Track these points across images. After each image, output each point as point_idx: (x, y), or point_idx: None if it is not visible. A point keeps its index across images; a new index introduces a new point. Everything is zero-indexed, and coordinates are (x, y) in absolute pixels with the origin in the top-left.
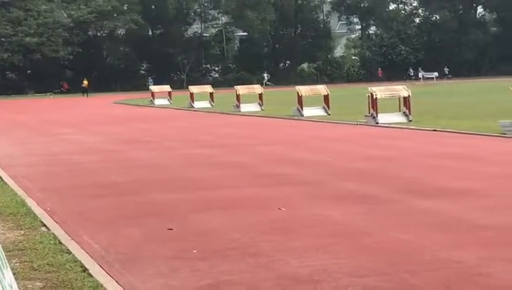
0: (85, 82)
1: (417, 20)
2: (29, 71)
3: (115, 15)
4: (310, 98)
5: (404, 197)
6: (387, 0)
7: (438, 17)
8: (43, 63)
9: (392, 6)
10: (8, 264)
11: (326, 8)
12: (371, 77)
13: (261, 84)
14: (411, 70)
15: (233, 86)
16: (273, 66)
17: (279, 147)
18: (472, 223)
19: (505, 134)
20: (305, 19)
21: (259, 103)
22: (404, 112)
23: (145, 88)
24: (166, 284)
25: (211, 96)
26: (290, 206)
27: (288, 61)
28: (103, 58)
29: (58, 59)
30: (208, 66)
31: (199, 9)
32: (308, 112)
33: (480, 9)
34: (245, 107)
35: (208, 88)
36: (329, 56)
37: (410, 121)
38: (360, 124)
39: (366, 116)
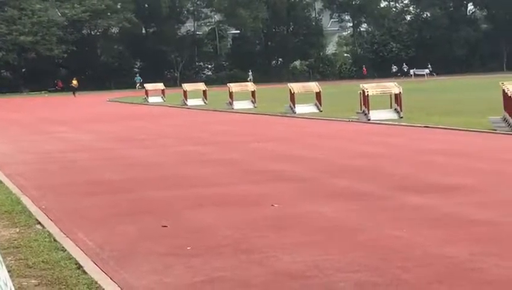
0: (74, 82)
1: (408, 17)
2: (23, 70)
3: (109, 14)
4: (302, 95)
5: (397, 193)
6: None
7: (429, 14)
8: (37, 61)
9: (383, 4)
10: (3, 262)
11: (318, 5)
12: (362, 74)
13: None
14: (394, 67)
15: (226, 84)
16: (265, 64)
17: (272, 144)
18: (464, 218)
19: (495, 130)
20: (297, 17)
21: (252, 100)
22: (395, 109)
23: (135, 87)
24: (161, 281)
25: (204, 94)
26: (283, 202)
27: (280, 59)
28: (97, 57)
29: (53, 58)
30: (201, 63)
31: (192, 8)
32: (300, 109)
33: (470, 7)
34: (238, 105)
35: (201, 86)
36: (321, 53)
37: (402, 117)
38: (352, 121)
39: (357, 113)
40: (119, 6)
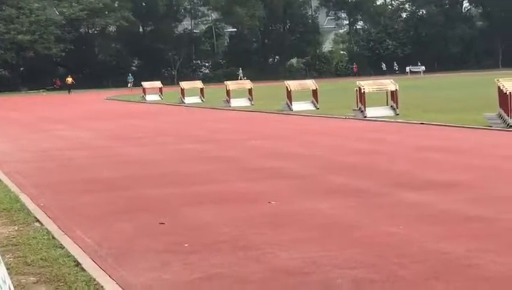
0: (69, 79)
1: (404, 15)
2: (22, 68)
3: (106, 12)
4: (298, 93)
5: (393, 190)
6: None
7: (425, 12)
8: (35, 60)
9: (379, 2)
10: (1, 260)
11: (315, 3)
12: (359, 72)
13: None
14: (383, 64)
15: (223, 82)
16: (262, 62)
17: (269, 142)
18: (460, 215)
19: (490, 126)
20: (294, 15)
21: (249, 98)
22: (391, 106)
23: (137, 84)
24: (159, 278)
25: (201, 92)
26: (280, 200)
27: (277, 57)
28: (95, 55)
29: (51, 56)
30: (198, 61)
31: (189, 6)
32: (297, 106)
33: (466, 4)
34: (235, 102)
35: (199, 84)
36: (317, 51)
37: (398, 114)
38: (348, 118)
39: (354, 110)
40: (116, 5)
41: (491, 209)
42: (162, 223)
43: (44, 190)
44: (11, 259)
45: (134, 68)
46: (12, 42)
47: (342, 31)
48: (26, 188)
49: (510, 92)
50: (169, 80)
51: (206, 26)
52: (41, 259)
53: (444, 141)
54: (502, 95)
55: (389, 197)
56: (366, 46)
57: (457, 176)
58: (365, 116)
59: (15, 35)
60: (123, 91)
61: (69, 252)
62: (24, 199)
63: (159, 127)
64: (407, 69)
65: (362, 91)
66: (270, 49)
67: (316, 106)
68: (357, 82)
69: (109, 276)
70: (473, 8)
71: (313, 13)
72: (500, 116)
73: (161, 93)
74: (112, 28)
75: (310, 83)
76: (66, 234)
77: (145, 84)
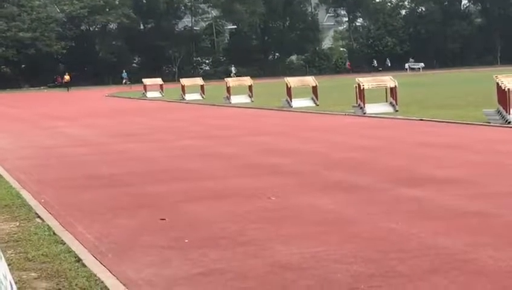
0: (66, 77)
1: (403, 12)
2: (23, 65)
3: (107, 10)
4: (298, 90)
5: (392, 185)
6: None
7: (424, 9)
8: (37, 57)
9: None
10: (2, 255)
11: (314, 0)
12: (357, 68)
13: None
14: (375, 61)
15: (223, 78)
16: (262, 58)
17: (269, 138)
18: (458, 210)
19: (489, 122)
20: (294, 12)
21: (249, 95)
22: (391, 102)
23: (138, 81)
24: (159, 273)
25: (201, 89)
26: (280, 195)
27: (277, 54)
28: (96, 52)
29: (52, 53)
30: (199, 58)
31: (189, 3)
32: (297, 103)
33: (464, 1)
34: (235, 99)
35: (199, 80)
36: (317, 48)
37: (397, 111)
38: (348, 115)
39: (353, 106)
40: (117, 2)
41: (490, 205)
42: (163, 219)
43: (45, 186)
44: (13, 255)
45: (135, 65)
46: (14, 39)
47: (342, 28)
48: (27, 184)
49: (509, 89)
50: (170, 77)
51: (207, 23)
52: (42, 255)
53: (443, 137)
54: (501, 91)
55: (388, 193)
56: (365, 43)
57: (456, 171)
58: (365, 113)
59: (16, 33)
60: (124, 88)
61: (70, 248)
62: (25, 195)
63: (160, 123)
64: (406, 65)
65: (361, 88)
66: (270, 46)
67: (315, 103)
68: (356, 79)
69: (110, 271)
70: (472, 5)
71: (313, 10)
72: (498, 112)
73: (162, 90)
74: (113, 25)
75: (310, 80)
76: (67, 230)
77: (146, 81)
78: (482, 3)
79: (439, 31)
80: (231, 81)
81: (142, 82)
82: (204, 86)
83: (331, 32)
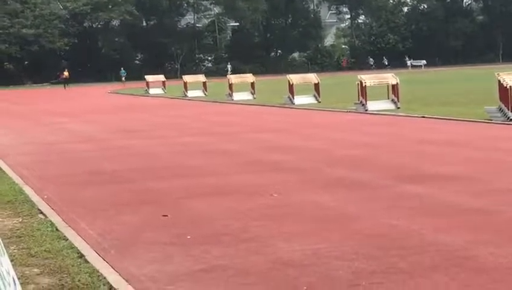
0: (65, 73)
1: (405, 9)
2: (26, 62)
3: (110, 6)
4: (301, 87)
5: (394, 182)
6: None
7: (426, 6)
8: (40, 54)
9: None
10: (5, 251)
11: None
12: (360, 65)
13: (225, 75)
14: (371, 59)
15: (225, 75)
16: (264, 56)
17: (271, 135)
18: (459, 207)
19: (490, 120)
20: (296, 9)
21: (251, 92)
22: (392, 99)
23: (140, 78)
24: (162, 270)
25: (204, 86)
26: (282, 192)
27: (279, 51)
28: (98, 49)
29: (55, 50)
30: (201, 55)
31: (192, 0)
32: (299, 100)
33: None
34: (237, 96)
35: (201, 77)
36: (319, 45)
37: (399, 108)
38: (350, 112)
39: (355, 103)
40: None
41: (491, 202)
42: (165, 216)
43: (48, 182)
44: (15, 251)
45: (137, 62)
46: (17, 36)
47: (344, 25)
48: (30, 180)
49: (510, 86)
50: (173, 74)
51: (209, 20)
52: (45, 251)
53: (445, 134)
54: (502, 88)
55: (389, 190)
56: (367, 41)
57: (458, 168)
58: (366, 110)
59: (19, 29)
60: (126, 85)
61: (73, 244)
62: (28, 191)
63: (162, 120)
64: (408, 63)
65: (363, 85)
66: (272, 43)
67: (317, 100)
68: (358, 76)
69: (112, 267)
70: (474, 3)
71: (315, 7)
72: (500, 109)
73: (164, 86)
74: (116, 22)
75: (312, 77)
76: (69, 226)
77: (149, 77)
78: (484, 0)
79: (441, 28)
80: (233, 78)
81: (138, 79)
82: (207, 83)
83: (333, 30)
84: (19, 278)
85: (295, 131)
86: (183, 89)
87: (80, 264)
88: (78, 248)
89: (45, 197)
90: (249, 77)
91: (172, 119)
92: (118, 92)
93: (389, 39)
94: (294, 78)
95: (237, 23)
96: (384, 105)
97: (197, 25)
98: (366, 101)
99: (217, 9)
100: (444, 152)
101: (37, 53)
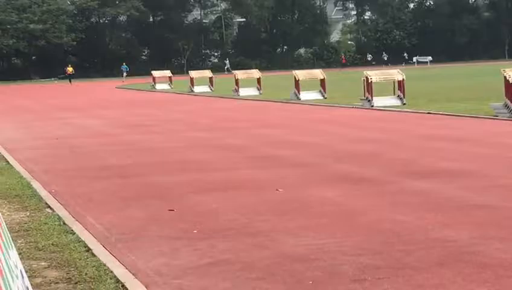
0: (69, 68)
1: (411, 5)
2: (34, 57)
3: (117, 2)
4: (306, 82)
5: (399, 178)
6: None
7: (432, 3)
8: (47, 49)
9: None
10: (13, 245)
11: None
12: (366, 62)
13: (224, 71)
14: (369, 55)
15: (224, 71)
16: (270, 51)
17: (277, 130)
18: (465, 203)
19: (496, 116)
20: (302, 5)
21: (257, 87)
22: (398, 96)
23: (147, 73)
24: (168, 263)
25: (210, 81)
26: (287, 187)
27: (285, 47)
28: (105, 45)
29: (62, 45)
30: (208, 51)
31: None
32: (305, 95)
33: None
34: (243, 91)
35: (208, 73)
36: (325, 41)
37: (405, 104)
38: (355, 107)
39: (361, 99)
40: None
41: (496, 198)
42: (171, 210)
43: (55, 177)
44: (23, 244)
45: (144, 57)
46: (25, 31)
47: (350, 21)
48: (37, 174)
49: None
50: (179, 69)
51: (216, 16)
52: (52, 244)
53: (450, 130)
54: (508, 85)
55: (394, 185)
56: (373, 37)
57: (463, 164)
58: (372, 106)
59: (27, 25)
60: (133, 80)
61: (80, 238)
62: (36, 185)
63: (169, 115)
64: (414, 59)
65: (369, 81)
66: (279, 39)
67: (323, 96)
68: (364, 72)
69: (119, 261)
70: None
71: (321, 4)
72: (506, 106)
73: (171, 82)
74: (123, 18)
75: (318, 73)
76: (77, 220)
77: (155, 73)
78: None
79: (447, 25)
80: (240, 74)
81: (144, 75)
82: (213, 78)
83: (339, 26)
84: (26, 271)
85: (301, 126)
86: (189, 85)
87: (87, 258)
88: (85, 242)
89: (53, 191)
90: (255, 73)
91: (179, 115)
92: (124, 87)
93: (395, 35)
94: (300, 74)
95: (243, 19)
96: (390, 101)
97: (204, 20)
98: (372, 97)
99: (223, 5)
100: (449, 148)
101: (45, 48)
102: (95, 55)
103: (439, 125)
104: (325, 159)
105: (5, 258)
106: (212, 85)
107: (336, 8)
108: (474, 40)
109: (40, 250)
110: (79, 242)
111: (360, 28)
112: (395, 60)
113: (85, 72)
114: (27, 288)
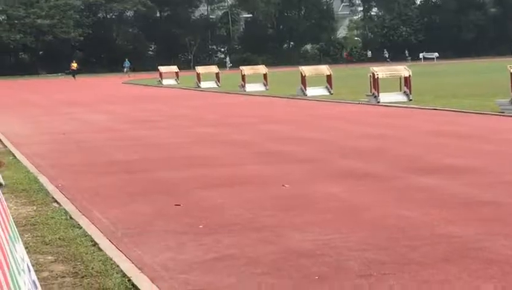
0: (74, 64)
1: (418, 1)
2: (41, 52)
3: None
4: (313, 78)
5: (405, 174)
6: None
7: None
8: (54, 44)
9: None
10: (20, 239)
11: None
12: (372, 58)
13: (225, 68)
14: (369, 52)
15: (238, 67)
16: (277, 47)
17: (283, 126)
18: (471, 199)
19: (502, 112)
20: (309, 1)
21: (263, 83)
22: (404, 92)
23: (154, 69)
24: (174, 258)
25: (217, 77)
26: (293, 183)
27: (292, 42)
28: (112, 40)
29: (69, 40)
30: (214, 47)
31: None
32: (311, 91)
33: None
34: (250, 87)
35: (214, 68)
36: (332, 37)
37: (411, 100)
38: (361, 103)
39: (367, 95)
40: None
41: (502, 194)
42: (178, 205)
43: (62, 172)
44: (30, 238)
45: (151, 53)
46: (32, 26)
47: (357, 17)
48: (44, 169)
49: None
50: (186, 65)
51: (222, 11)
52: (59, 239)
53: (456, 127)
54: None
55: (400, 181)
56: (380, 33)
57: (469, 160)
58: (378, 102)
59: (34, 20)
60: (140, 75)
61: (86, 232)
62: (42, 179)
63: (175, 110)
64: (421, 55)
65: (376, 77)
66: (285, 34)
67: (330, 91)
68: (371, 68)
69: (125, 255)
70: None
71: (328, 0)
72: None
73: (177, 77)
74: (130, 13)
75: (324, 69)
76: (83, 214)
77: (162, 68)
78: None
79: (454, 21)
80: (246, 70)
81: (151, 70)
82: (220, 74)
83: (346, 22)
84: (33, 265)
85: (307, 122)
86: (196, 80)
87: (94, 252)
88: (92, 236)
89: (59, 186)
90: (262, 69)
91: (186, 110)
92: (131, 83)
93: (401, 32)
94: (307, 69)
95: (250, 15)
96: (397, 97)
97: (211, 16)
98: (378, 93)
99: (230, 1)
100: (455, 144)
101: (52, 43)
102: (102, 51)
103: (445, 122)
104: (331, 155)
105: (11, 252)
106: (218, 81)
107: (343, 4)
108: (481, 36)
109: (46, 244)
110: (85, 236)
111: (367, 24)
112: (397, 57)
113: (92, 67)
114: (33, 282)
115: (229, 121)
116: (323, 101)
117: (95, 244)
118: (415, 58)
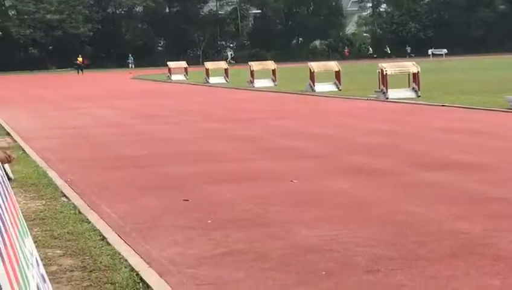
0: (79, 59)
1: None
2: (50, 47)
3: None
4: (321, 74)
5: (413, 170)
6: None
7: None
8: (64, 39)
9: None
10: (29, 233)
11: None
12: (381, 54)
13: (226, 62)
14: (370, 48)
15: (247, 62)
16: (286, 43)
17: (291, 122)
18: (479, 195)
19: (511, 109)
20: None
21: (272, 79)
22: (413, 88)
23: (163, 64)
24: (183, 253)
25: (226, 72)
26: (302, 178)
27: (300, 38)
28: (122, 35)
29: (79, 35)
30: (223, 42)
31: None
32: (320, 87)
33: None
34: (259, 83)
35: (223, 64)
36: (340, 33)
37: (420, 96)
38: (370, 100)
39: (376, 91)
40: None
41: (511, 190)
42: (186, 200)
43: (71, 166)
44: (39, 232)
45: (160, 48)
46: (42, 21)
47: (365, 13)
48: (53, 164)
49: None
50: (195, 60)
51: (231, 7)
52: (67, 233)
53: (465, 123)
54: None
55: (408, 177)
56: (388, 29)
57: (478, 157)
58: (387, 98)
59: (44, 15)
60: (149, 71)
61: (95, 227)
62: (52, 174)
63: (184, 106)
64: (430, 52)
65: (384, 73)
66: (294, 30)
67: (338, 87)
68: (379, 64)
69: (134, 250)
70: None
71: None
72: None
73: (186, 73)
74: (139, 9)
75: (333, 65)
76: (92, 209)
77: (171, 64)
78: None
79: (462, 17)
80: (255, 65)
81: (160, 66)
82: (229, 70)
83: (355, 18)
84: (42, 259)
85: (315, 118)
86: (205, 76)
87: (102, 247)
88: (100, 231)
89: (68, 180)
90: (270, 64)
91: (194, 106)
92: (140, 78)
93: (410, 28)
94: (315, 65)
95: (259, 11)
96: (405, 93)
97: (220, 12)
98: (386, 89)
99: None
100: (464, 140)
101: (61, 38)
102: (111, 46)
103: (454, 118)
104: (340, 151)
105: (20, 246)
106: (227, 76)
107: (352, 0)
108: (490, 33)
109: (55, 238)
110: (94, 231)
111: (376, 20)
112: (399, 53)
113: (101, 62)
114: (42, 276)
115: (237, 116)
116: (331, 97)
117: (104, 238)
118: (421, 54)
